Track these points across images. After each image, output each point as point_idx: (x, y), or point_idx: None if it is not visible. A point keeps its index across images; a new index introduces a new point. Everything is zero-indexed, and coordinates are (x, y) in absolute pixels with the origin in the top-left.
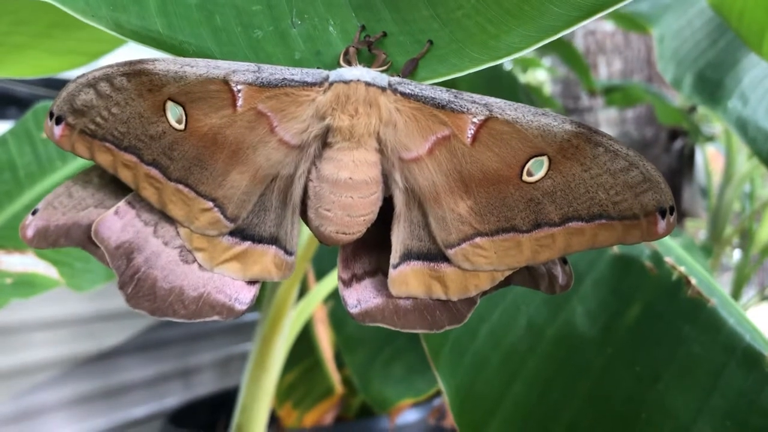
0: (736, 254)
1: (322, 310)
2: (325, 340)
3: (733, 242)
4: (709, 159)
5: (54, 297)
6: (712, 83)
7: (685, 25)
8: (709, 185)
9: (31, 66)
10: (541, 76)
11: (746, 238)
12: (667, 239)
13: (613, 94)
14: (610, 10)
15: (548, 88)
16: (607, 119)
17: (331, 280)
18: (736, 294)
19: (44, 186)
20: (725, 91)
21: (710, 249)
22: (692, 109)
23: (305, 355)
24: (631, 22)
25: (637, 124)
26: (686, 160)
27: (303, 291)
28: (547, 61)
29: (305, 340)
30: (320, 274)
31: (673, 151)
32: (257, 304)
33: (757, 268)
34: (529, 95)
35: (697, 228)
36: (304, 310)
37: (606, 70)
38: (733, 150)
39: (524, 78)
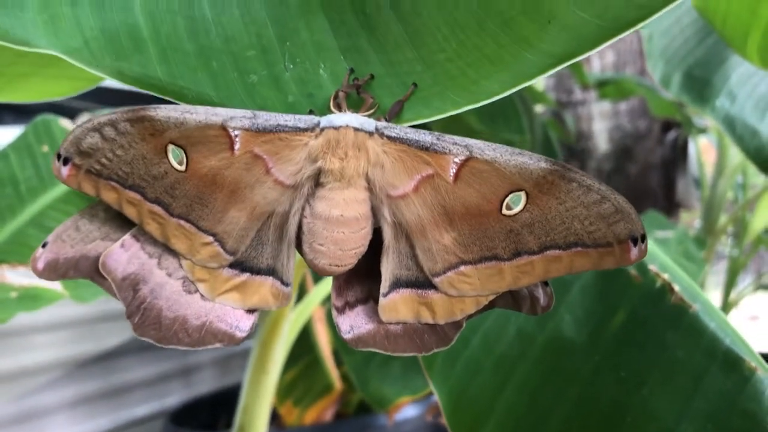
0: (731, 243)
1: (321, 310)
2: (323, 338)
3: (728, 231)
4: (701, 150)
5: None
6: (701, 82)
7: (673, 23)
8: (702, 176)
9: (35, 92)
10: None
11: (740, 227)
12: (651, 246)
13: (606, 87)
14: (581, 57)
15: (541, 82)
16: (600, 112)
17: (328, 284)
18: (731, 282)
19: (46, 200)
20: (713, 89)
21: (704, 239)
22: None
23: (305, 353)
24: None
25: (630, 116)
26: (679, 152)
27: (301, 294)
28: None
29: (304, 338)
30: (318, 277)
31: (666, 143)
32: None
33: (751, 256)
34: (521, 94)
35: (693, 218)
36: (303, 312)
37: (599, 63)
38: (726, 142)
39: None
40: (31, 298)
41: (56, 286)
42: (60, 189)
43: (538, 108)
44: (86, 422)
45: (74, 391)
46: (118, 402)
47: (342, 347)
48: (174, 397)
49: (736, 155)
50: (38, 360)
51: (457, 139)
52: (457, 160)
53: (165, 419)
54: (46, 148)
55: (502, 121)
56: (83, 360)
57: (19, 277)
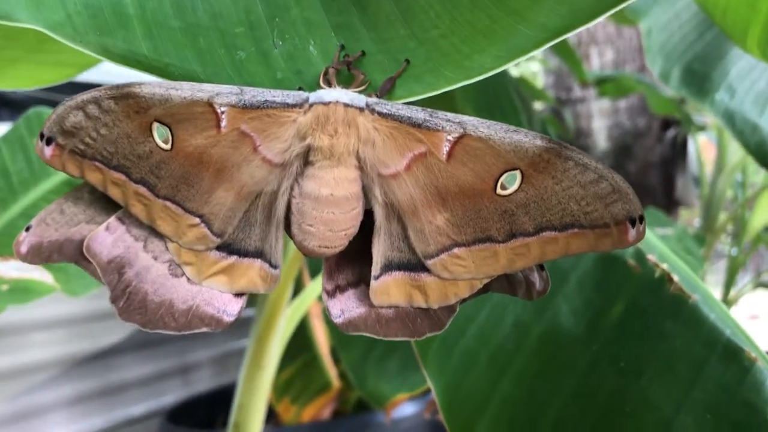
0: (730, 242)
1: (318, 306)
2: (321, 335)
3: (728, 230)
4: (701, 148)
5: (50, 297)
6: (700, 76)
7: (672, 17)
8: (701, 174)
9: (24, 79)
10: (533, 68)
11: (739, 225)
12: (650, 237)
13: (606, 84)
14: (576, 31)
15: (541, 80)
16: (599, 109)
17: None
18: (731, 281)
19: (37, 192)
20: (713, 83)
21: (703, 237)
22: (684, 99)
23: (302, 351)
24: (620, 16)
25: (629, 114)
26: (679, 150)
27: (298, 289)
28: (539, 53)
29: (302, 335)
30: (314, 272)
31: (665, 141)
32: (252, 302)
33: (750, 254)
34: (519, 90)
35: (692, 216)
36: (299, 307)
37: (598, 61)
38: (725, 139)
39: (517, 70)
40: (22, 291)
41: (48, 279)
42: (52, 181)
43: (538, 105)
44: (83, 421)
45: (71, 390)
46: (115, 400)
47: (339, 344)
48: (171, 396)
49: (735, 153)
50: (35, 358)
51: (451, 115)
52: (450, 137)
53: (162, 418)
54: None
55: (500, 116)
56: (80, 358)
57: (10, 269)
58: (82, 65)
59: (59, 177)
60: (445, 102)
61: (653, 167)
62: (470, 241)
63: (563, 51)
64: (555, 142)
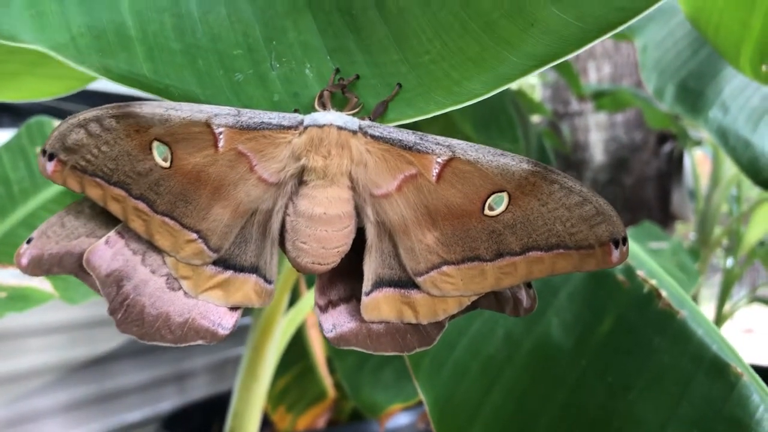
0: (725, 256)
1: (314, 316)
2: (317, 344)
3: (723, 244)
4: (696, 162)
5: (47, 303)
6: (694, 93)
7: (667, 35)
8: (697, 188)
9: (26, 91)
10: (531, 81)
11: (734, 240)
12: (639, 253)
13: (603, 98)
14: (562, 59)
15: (538, 93)
16: (596, 123)
17: None
18: (726, 295)
19: (38, 201)
20: (706, 101)
21: (698, 251)
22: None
23: (298, 359)
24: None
25: (626, 128)
26: (675, 164)
27: (294, 298)
28: None
29: (298, 344)
30: (311, 282)
31: (662, 155)
32: (248, 311)
33: (746, 269)
34: (517, 103)
35: (688, 230)
36: (295, 317)
37: (595, 75)
38: (720, 154)
39: (515, 83)
40: (20, 299)
41: (46, 287)
42: (52, 190)
43: (535, 118)
44: (79, 427)
45: (67, 396)
46: (111, 407)
47: (334, 354)
48: (167, 403)
49: (731, 168)
50: (31, 364)
51: (440, 139)
52: (440, 160)
53: (158, 424)
54: (39, 150)
55: (497, 129)
56: (76, 364)
57: (9, 277)
58: (84, 79)
59: (59, 187)
60: (443, 117)
61: (649, 181)
62: (459, 260)
63: (561, 65)
64: (541, 166)
